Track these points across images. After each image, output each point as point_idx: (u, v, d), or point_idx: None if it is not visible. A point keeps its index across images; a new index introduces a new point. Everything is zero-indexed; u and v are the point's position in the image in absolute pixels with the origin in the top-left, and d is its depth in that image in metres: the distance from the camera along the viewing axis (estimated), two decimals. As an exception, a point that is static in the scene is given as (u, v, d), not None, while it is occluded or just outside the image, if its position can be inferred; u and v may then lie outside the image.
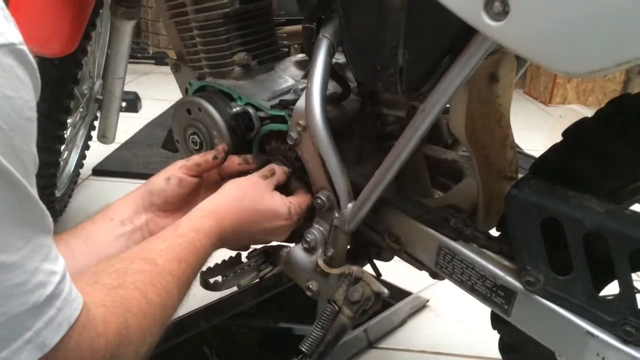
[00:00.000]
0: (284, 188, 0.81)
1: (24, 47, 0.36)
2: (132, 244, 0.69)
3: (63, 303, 0.40)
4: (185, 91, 0.94)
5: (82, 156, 1.72)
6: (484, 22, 0.48)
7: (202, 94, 0.88)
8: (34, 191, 0.37)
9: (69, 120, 1.46)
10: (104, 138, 1.52)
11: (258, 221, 0.74)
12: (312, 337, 0.81)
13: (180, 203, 0.74)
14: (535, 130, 2.66)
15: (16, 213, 0.36)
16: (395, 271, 1.06)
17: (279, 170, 0.80)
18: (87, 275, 0.52)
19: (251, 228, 0.73)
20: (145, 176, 1.29)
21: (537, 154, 0.71)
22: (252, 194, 0.74)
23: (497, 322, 0.78)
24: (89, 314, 0.43)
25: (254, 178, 0.76)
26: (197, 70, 0.94)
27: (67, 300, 0.40)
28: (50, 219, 0.40)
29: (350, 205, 0.75)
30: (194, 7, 0.88)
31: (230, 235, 0.70)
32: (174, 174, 0.74)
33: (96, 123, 1.57)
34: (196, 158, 0.77)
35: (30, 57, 0.36)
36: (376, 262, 0.91)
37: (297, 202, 0.79)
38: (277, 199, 0.76)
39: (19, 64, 0.35)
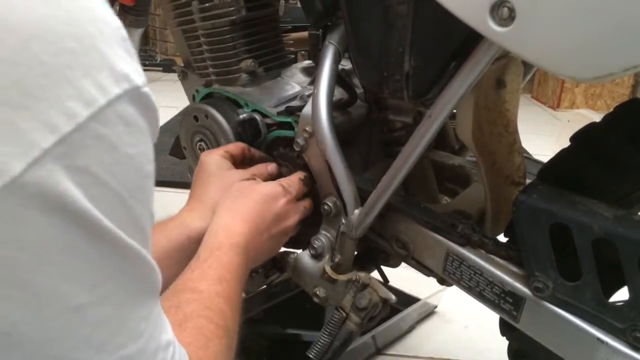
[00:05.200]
0: None
1: (147, 89, 0.32)
2: None
3: None
4: (192, 98, 0.95)
5: (91, 163, 1.72)
6: (490, 28, 0.48)
7: (209, 100, 0.88)
8: (149, 254, 0.34)
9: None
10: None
11: (264, 210, 0.73)
12: (319, 343, 0.81)
13: None
14: (543, 135, 2.65)
15: (139, 292, 0.34)
16: (403, 277, 1.06)
17: (262, 170, 0.81)
18: None
19: (264, 220, 0.72)
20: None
21: (545, 159, 0.71)
22: (244, 193, 0.73)
23: (505, 328, 0.78)
24: None
25: (237, 184, 0.76)
26: (204, 77, 0.95)
27: None
28: (159, 274, 0.37)
29: (357, 211, 0.75)
30: (200, 14, 0.88)
31: (252, 239, 0.69)
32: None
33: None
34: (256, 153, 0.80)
35: (152, 97, 0.33)
36: (384, 268, 0.91)
37: (286, 178, 0.79)
38: (267, 184, 0.76)
39: (141, 111, 0.31)
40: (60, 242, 0.28)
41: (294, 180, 0.79)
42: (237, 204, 0.71)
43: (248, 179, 0.77)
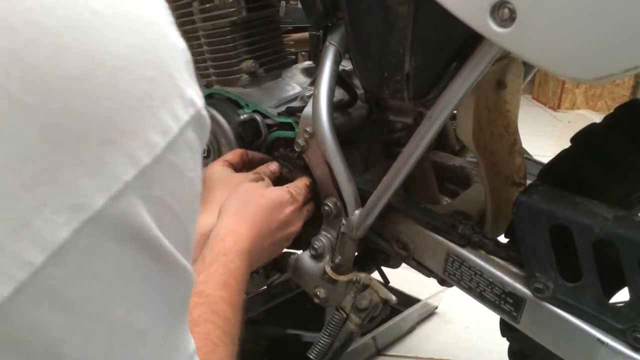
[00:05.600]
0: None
1: (205, 110, 0.31)
2: None
3: None
4: (193, 99, 0.95)
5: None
6: (491, 29, 0.48)
7: (210, 101, 0.88)
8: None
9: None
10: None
11: (270, 217, 0.73)
12: (320, 344, 0.81)
13: None
14: (543, 136, 2.65)
15: (184, 308, 0.34)
16: (404, 278, 1.06)
17: (265, 170, 0.81)
18: None
19: (269, 226, 0.73)
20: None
21: (545, 159, 0.71)
22: (251, 198, 0.73)
23: (506, 329, 0.78)
24: None
25: (244, 185, 0.76)
26: (205, 78, 0.95)
27: None
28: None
29: (357, 212, 0.75)
30: (201, 15, 0.89)
31: (256, 244, 0.69)
32: None
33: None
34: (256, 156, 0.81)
35: (207, 117, 0.32)
36: (384, 269, 0.91)
37: (294, 185, 0.79)
38: (275, 190, 0.76)
39: (199, 134, 0.31)
40: (133, 271, 0.28)
41: (301, 187, 0.79)
42: (244, 208, 0.71)
43: (256, 180, 0.77)
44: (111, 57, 0.25)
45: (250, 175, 0.78)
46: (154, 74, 0.27)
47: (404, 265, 0.83)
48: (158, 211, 0.28)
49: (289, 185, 0.79)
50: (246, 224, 0.70)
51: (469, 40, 0.58)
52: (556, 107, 3.52)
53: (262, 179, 0.78)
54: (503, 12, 0.47)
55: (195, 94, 0.30)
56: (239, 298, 0.61)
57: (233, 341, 0.54)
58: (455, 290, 0.75)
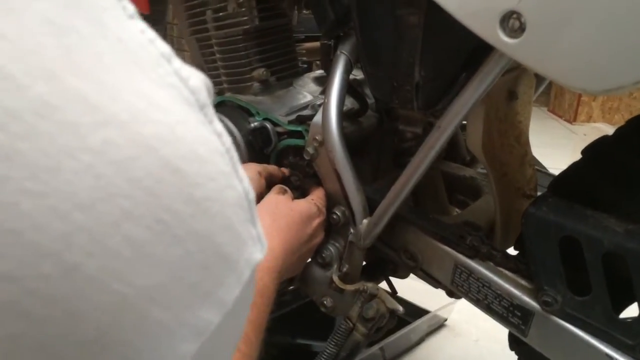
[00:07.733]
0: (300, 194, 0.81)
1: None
2: None
3: None
4: (204, 106, 0.95)
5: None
6: (500, 39, 0.48)
7: (221, 109, 0.89)
8: None
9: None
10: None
11: (301, 231, 0.72)
12: (326, 353, 0.80)
13: None
14: (559, 149, 2.63)
15: None
16: (414, 289, 1.05)
17: (277, 172, 0.81)
18: None
19: (299, 241, 0.72)
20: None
21: (559, 172, 0.70)
22: (282, 211, 0.72)
23: (514, 343, 0.77)
24: None
25: (272, 198, 0.75)
26: (217, 85, 0.95)
27: None
28: None
29: (365, 221, 0.75)
30: (214, 23, 0.89)
31: (286, 260, 0.68)
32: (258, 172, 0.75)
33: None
34: (270, 168, 0.79)
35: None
36: (393, 279, 0.90)
37: (317, 196, 0.78)
38: (302, 203, 0.76)
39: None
40: None
41: (323, 198, 0.78)
42: (276, 223, 0.70)
43: (282, 192, 0.76)
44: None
45: (275, 187, 0.77)
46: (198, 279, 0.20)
47: (414, 276, 0.83)
48: None
49: (313, 196, 0.78)
50: (279, 239, 0.68)
51: (478, 51, 0.57)
52: (572, 119, 3.49)
53: (286, 191, 0.77)
54: (513, 23, 0.47)
55: (257, 242, 0.23)
56: (264, 318, 0.59)
57: None
58: (465, 303, 0.74)
